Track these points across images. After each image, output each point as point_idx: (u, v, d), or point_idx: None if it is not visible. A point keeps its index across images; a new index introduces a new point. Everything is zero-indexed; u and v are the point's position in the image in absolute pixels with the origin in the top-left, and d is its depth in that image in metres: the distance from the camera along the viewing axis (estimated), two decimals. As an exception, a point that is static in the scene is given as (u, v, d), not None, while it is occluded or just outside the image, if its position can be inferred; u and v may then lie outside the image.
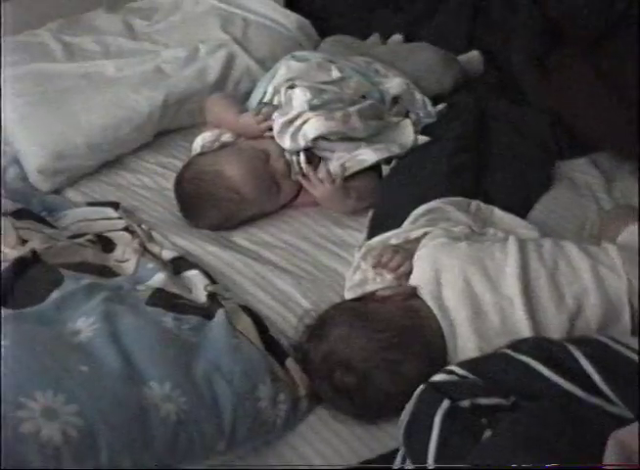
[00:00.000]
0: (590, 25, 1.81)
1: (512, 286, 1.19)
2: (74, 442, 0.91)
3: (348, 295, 1.36)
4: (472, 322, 1.18)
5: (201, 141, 1.68)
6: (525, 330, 1.17)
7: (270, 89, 1.70)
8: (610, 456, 0.80)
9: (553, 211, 1.57)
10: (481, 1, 2.05)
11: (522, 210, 1.53)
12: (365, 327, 1.17)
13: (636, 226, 1.35)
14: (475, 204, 1.46)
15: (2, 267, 1.21)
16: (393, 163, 1.60)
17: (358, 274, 1.37)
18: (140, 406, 0.99)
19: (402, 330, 1.17)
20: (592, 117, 1.64)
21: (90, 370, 1.00)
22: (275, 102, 1.67)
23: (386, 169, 1.60)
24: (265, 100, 1.70)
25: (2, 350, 0.98)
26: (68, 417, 0.92)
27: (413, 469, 1.01)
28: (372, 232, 1.47)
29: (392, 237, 1.39)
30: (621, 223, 1.40)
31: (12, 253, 1.26)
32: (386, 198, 1.55)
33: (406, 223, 1.42)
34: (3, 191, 1.50)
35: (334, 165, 1.58)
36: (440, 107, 1.72)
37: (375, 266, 1.34)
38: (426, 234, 1.34)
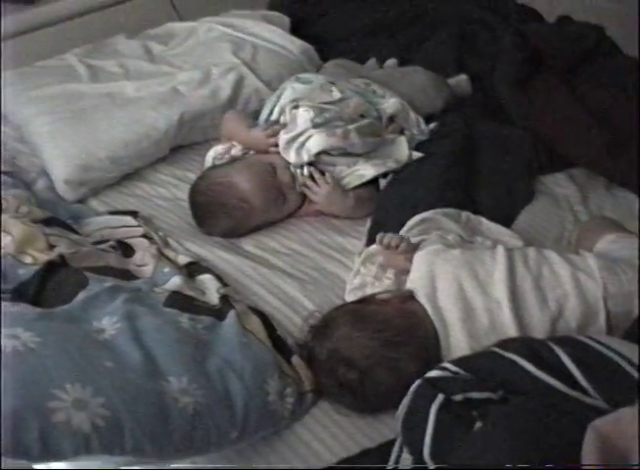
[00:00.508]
0: (565, 55, 1.83)
1: (500, 290, 1.20)
2: (102, 430, 0.91)
3: (349, 297, 1.36)
4: (463, 323, 1.18)
5: (213, 154, 1.68)
6: (511, 330, 1.17)
7: (277, 109, 1.70)
8: (588, 443, 0.80)
9: (534, 221, 1.58)
10: (469, 30, 2.06)
11: (507, 220, 1.53)
12: (366, 327, 1.17)
13: (611, 235, 1.36)
14: (465, 214, 1.46)
15: (33, 271, 1.22)
16: (390, 176, 1.60)
17: (358, 278, 1.37)
18: (160, 399, 1.00)
19: (400, 330, 1.17)
20: (569, 135, 1.65)
21: (114, 365, 1.00)
22: (281, 121, 1.67)
23: (382, 182, 1.60)
24: (272, 119, 1.71)
25: (33, 345, 0.98)
26: (96, 408, 0.92)
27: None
28: (370, 240, 1.47)
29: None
30: (597, 233, 1.40)
31: (42, 257, 1.26)
32: (383, 208, 1.55)
33: (402, 232, 1.42)
34: (3, 188, 1.48)
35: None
36: (432, 125, 1.72)
37: (386, 248, 1.32)
38: (422, 241, 1.34)
